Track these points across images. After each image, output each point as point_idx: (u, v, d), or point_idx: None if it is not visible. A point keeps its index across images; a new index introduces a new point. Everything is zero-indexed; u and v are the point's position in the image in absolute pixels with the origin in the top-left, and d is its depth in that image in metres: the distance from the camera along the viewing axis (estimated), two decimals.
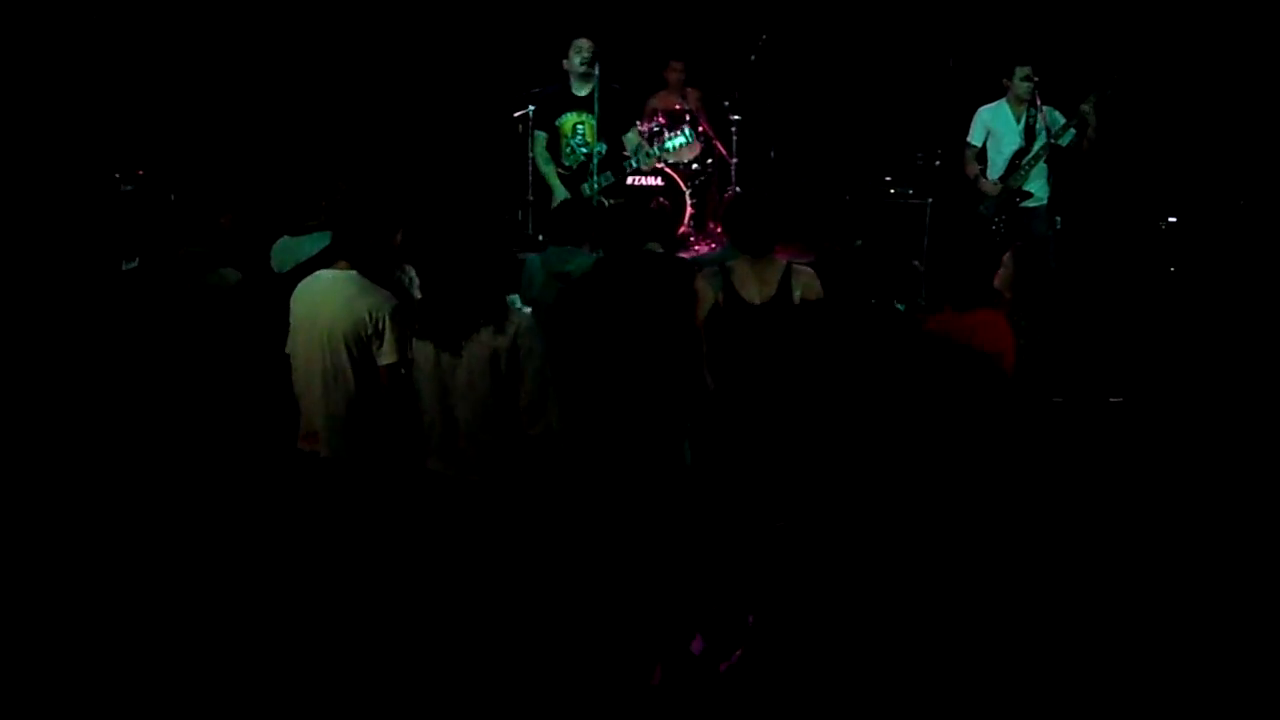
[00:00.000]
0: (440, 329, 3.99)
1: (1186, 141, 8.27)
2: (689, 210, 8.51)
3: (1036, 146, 7.03)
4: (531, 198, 7.19)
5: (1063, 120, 6.97)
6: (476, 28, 9.02)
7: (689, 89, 8.99)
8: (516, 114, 7.22)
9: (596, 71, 6.65)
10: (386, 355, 4.23)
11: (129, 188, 7.11)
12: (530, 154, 7.06)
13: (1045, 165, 7.07)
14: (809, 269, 4.66)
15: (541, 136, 6.93)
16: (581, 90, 6.79)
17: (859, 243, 5.22)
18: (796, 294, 4.55)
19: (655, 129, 8.50)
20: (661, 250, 5.28)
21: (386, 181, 5.99)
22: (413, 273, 4.85)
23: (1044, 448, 5.68)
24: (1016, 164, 7.13)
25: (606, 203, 6.73)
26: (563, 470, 4.18)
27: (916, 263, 4.32)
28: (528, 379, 3.99)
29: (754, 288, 4.58)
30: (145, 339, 5.38)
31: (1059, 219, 7.24)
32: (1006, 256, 5.23)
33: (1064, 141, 6.95)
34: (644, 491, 4.57)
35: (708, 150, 8.71)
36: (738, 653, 4.13)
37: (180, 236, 5.46)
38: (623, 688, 4.12)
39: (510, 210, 7.47)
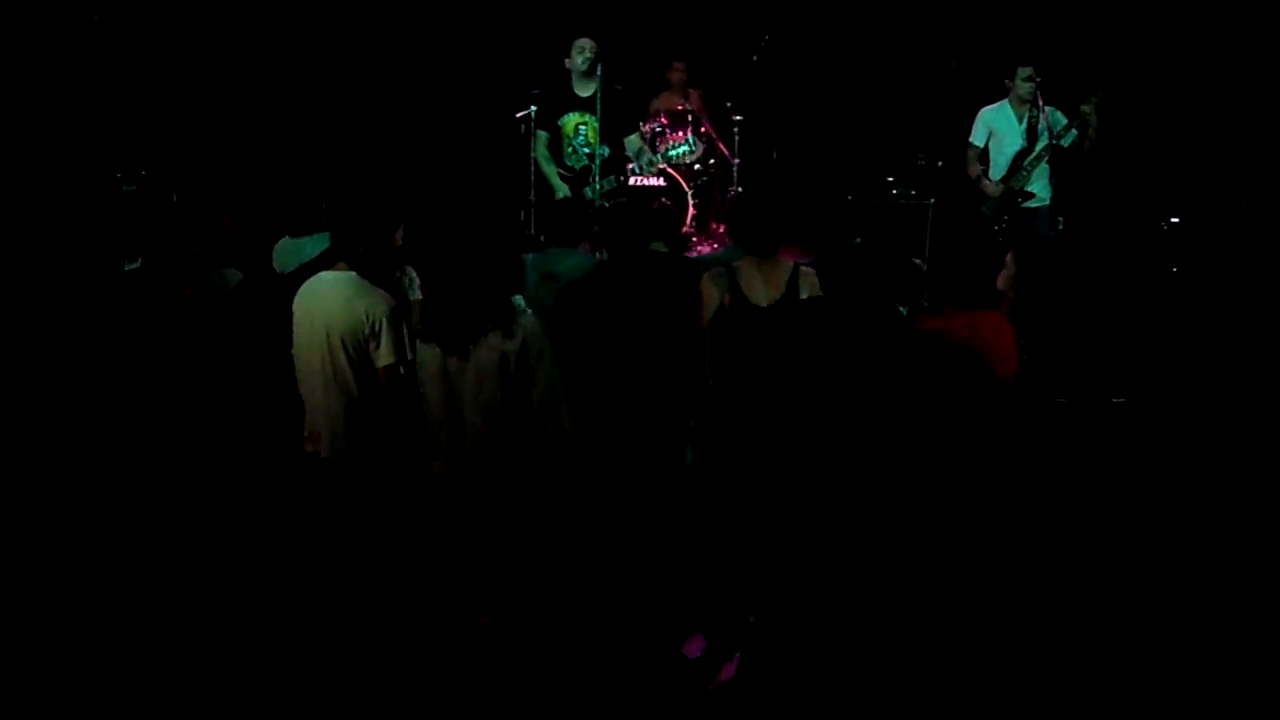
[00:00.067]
0: (447, 332, 3.98)
1: (1188, 142, 8.26)
2: (691, 210, 8.51)
3: (1038, 147, 7.03)
4: (533, 198, 7.18)
5: (1065, 121, 6.97)
6: (478, 27, 9.02)
7: (691, 89, 8.99)
8: (518, 114, 7.21)
9: (599, 72, 6.64)
10: (383, 357, 4.23)
11: (131, 188, 7.11)
12: (532, 154, 7.04)
13: (1047, 166, 7.07)
14: (814, 270, 4.64)
15: (543, 136, 6.92)
16: (584, 91, 6.79)
17: (858, 240, 5.20)
18: (804, 296, 4.54)
19: (657, 129, 8.50)
20: (666, 250, 5.28)
21: (384, 182, 5.98)
22: (413, 274, 4.84)
23: (1046, 448, 5.68)
24: (1018, 164, 7.13)
25: (608, 205, 6.72)
26: (571, 471, 4.18)
27: (918, 261, 4.31)
28: (540, 382, 3.98)
29: (761, 289, 4.57)
30: (147, 339, 5.39)
31: (1061, 219, 7.24)
32: (1009, 257, 5.22)
33: (1066, 142, 6.95)
34: (645, 492, 4.57)
35: (710, 151, 8.71)
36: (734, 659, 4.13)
37: (182, 237, 5.48)
38: (625, 687, 4.12)
39: (512, 211, 7.47)
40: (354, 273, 4.30)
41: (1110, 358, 6.92)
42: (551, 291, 4.90)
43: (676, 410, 4.69)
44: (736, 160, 8.83)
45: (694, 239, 8.52)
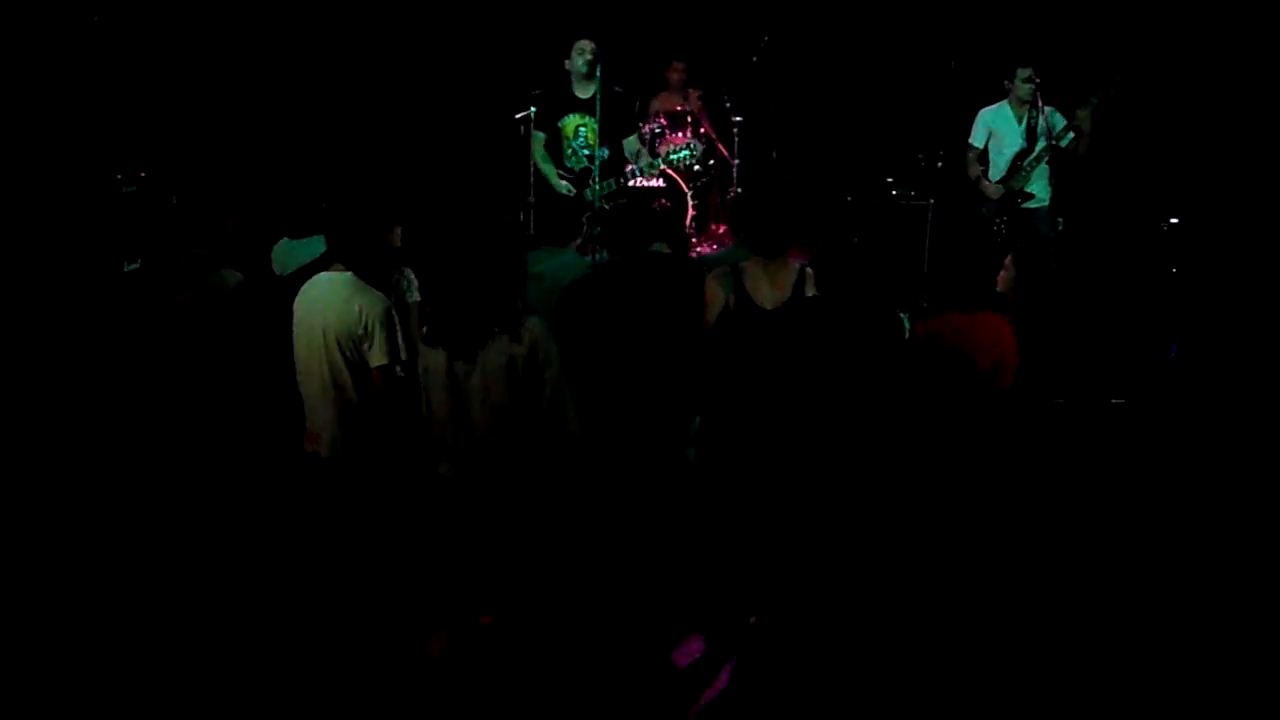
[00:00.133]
0: (454, 337, 3.96)
1: (1188, 142, 8.26)
2: (690, 211, 8.51)
3: (1038, 148, 7.03)
4: (533, 199, 7.18)
5: (1064, 122, 6.97)
6: (478, 28, 9.02)
7: (690, 90, 8.99)
8: (518, 115, 7.20)
9: (598, 73, 6.64)
10: (376, 357, 4.25)
11: (131, 189, 7.11)
12: (531, 156, 7.03)
13: (1047, 167, 7.07)
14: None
15: (541, 137, 6.92)
16: (584, 92, 6.78)
17: (855, 240, 5.17)
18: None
19: (657, 130, 8.50)
20: (669, 250, 5.27)
21: (379, 183, 5.98)
22: (411, 275, 4.84)
23: (1045, 450, 5.68)
24: (1018, 165, 7.13)
25: (608, 207, 6.72)
26: (577, 474, 4.17)
27: (913, 267, 4.29)
28: (548, 385, 3.98)
29: (766, 290, 4.54)
30: (146, 340, 5.40)
31: (1061, 220, 7.25)
32: (1008, 260, 5.22)
33: (1065, 144, 6.95)
34: (649, 493, 4.57)
35: (709, 151, 8.70)
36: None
37: (182, 238, 5.48)
38: (626, 688, 4.13)
39: (513, 212, 7.46)
40: (350, 273, 4.31)
41: (1110, 359, 6.91)
42: (538, 290, 4.88)
43: (680, 411, 4.68)
44: (736, 161, 8.84)
45: (694, 239, 8.52)
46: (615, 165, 6.80)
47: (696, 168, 8.59)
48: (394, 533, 4.43)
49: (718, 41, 9.26)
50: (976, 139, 7.33)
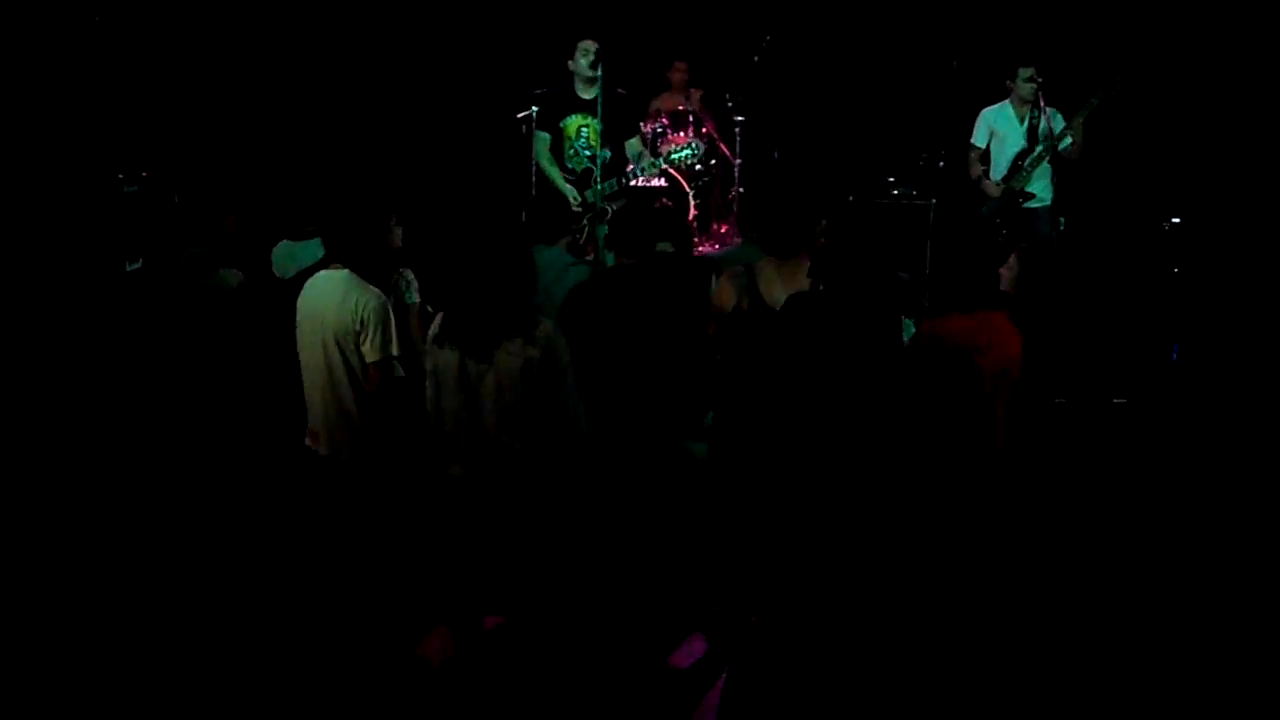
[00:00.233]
0: (469, 339, 3.94)
1: (1190, 142, 8.25)
2: (692, 211, 8.51)
3: (1038, 149, 7.03)
4: (534, 198, 7.17)
5: (1064, 124, 6.97)
6: (479, 28, 9.02)
7: (692, 89, 8.99)
8: (520, 115, 7.20)
9: (601, 74, 6.63)
10: (371, 353, 4.27)
11: (133, 189, 7.11)
12: (533, 156, 7.03)
13: (1049, 166, 7.07)
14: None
15: (544, 137, 6.91)
16: (586, 93, 6.78)
17: (856, 230, 5.13)
18: None
19: (659, 130, 8.50)
20: (674, 250, 5.26)
21: (373, 182, 5.99)
22: (410, 276, 4.85)
23: (1047, 449, 5.68)
24: (1019, 165, 7.12)
25: (610, 208, 6.72)
26: (584, 472, 4.17)
27: (904, 274, 4.25)
28: (559, 386, 3.98)
29: (780, 291, 4.51)
30: (148, 339, 5.40)
31: (1062, 220, 7.24)
32: (1013, 258, 5.21)
33: (1063, 146, 6.95)
34: (657, 491, 4.56)
35: (711, 151, 8.70)
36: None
37: (183, 238, 5.49)
38: (630, 686, 4.13)
39: (514, 211, 7.46)
40: (348, 271, 4.34)
41: (1111, 358, 6.92)
42: None
43: (689, 410, 4.67)
44: (738, 161, 8.84)
45: (695, 239, 8.52)
46: (617, 166, 6.79)
47: (698, 167, 8.59)
48: (392, 530, 4.44)
49: (720, 41, 9.26)
50: (978, 139, 7.32)
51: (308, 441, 4.49)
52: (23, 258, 6.72)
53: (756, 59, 8.95)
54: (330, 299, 4.32)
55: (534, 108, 6.97)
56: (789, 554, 4.33)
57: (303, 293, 4.48)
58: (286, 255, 5.53)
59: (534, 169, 7.00)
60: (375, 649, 4.27)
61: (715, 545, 4.47)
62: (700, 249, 8.38)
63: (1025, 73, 7.01)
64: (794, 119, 9.22)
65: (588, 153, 6.82)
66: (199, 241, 5.42)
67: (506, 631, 4.21)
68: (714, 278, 4.76)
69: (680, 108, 8.73)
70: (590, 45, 6.70)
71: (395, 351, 4.32)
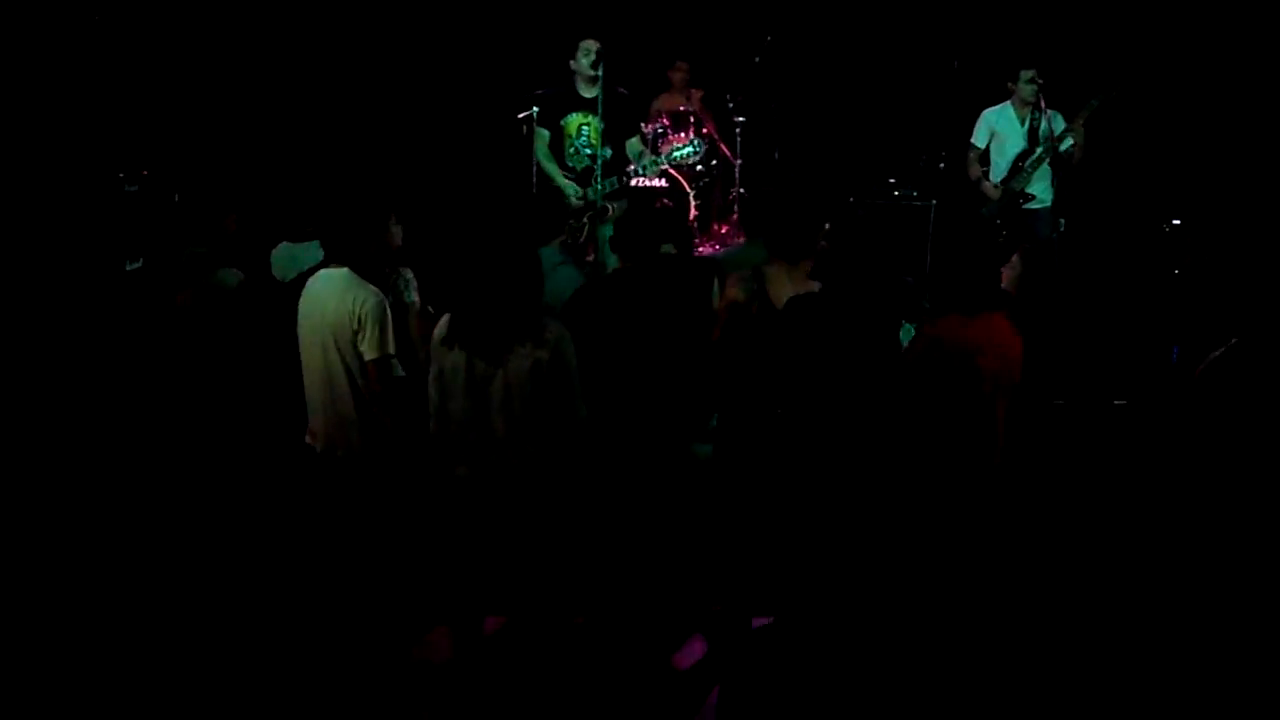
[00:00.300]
0: (478, 340, 3.94)
1: (1190, 144, 8.25)
2: (693, 212, 8.51)
3: (1038, 151, 7.03)
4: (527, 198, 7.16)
5: (1065, 125, 6.97)
6: (481, 28, 9.02)
7: (692, 89, 8.99)
8: (520, 115, 7.20)
9: (602, 73, 6.63)
10: (369, 351, 4.28)
11: (133, 188, 7.11)
12: (534, 155, 7.02)
13: (1049, 168, 7.07)
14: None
15: (544, 135, 6.91)
16: (588, 92, 6.78)
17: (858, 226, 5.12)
18: None
19: (659, 130, 8.50)
20: (675, 251, 5.26)
21: (371, 182, 5.98)
22: (409, 275, 4.86)
23: (1047, 451, 5.68)
24: (1019, 166, 7.13)
25: (611, 207, 6.72)
26: (590, 473, 4.17)
27: (909, 278, 4.24)
28: (566, 387, 3.98)
29: (789, 294, 4.51)
30: (148, 339, 5.40)
31: (1062, 221, 7.24)
32: (1015, 257, 5.20)
33: (1064, 147, 6.95)
34: (663, 491, 4.56)
35: (712, 151, 8.70)
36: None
37: (184, 237, 5.49)
38: (632, 687, 4.13)
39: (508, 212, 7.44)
40: (347, 269, 4.36)
41: (1112, 360, 6.91)
42: None
43: (694, 412, 4.66)
44: (738, 161, 8.84)
45: (696, 239, 8.52)
46: (617, 165, 6.79)
47: (699, 167, 8.59)
48: (390, 528, 4.45)
49: (720, 42, 9.26)
50: (979, 139, 7.32)
51: (307, 439, 4.50)
52: (23, 256, 6.72)
53: (757, 59, 8.95)
54: (329, 297, 4.35)
55: (534, 108, 6.97)
56: (790, 555, 4.34)
57: (304, 291, 4.50)
58: (286, 257, 5.53)
59: (535, 168, 7.00)
60: (375, 648, 4.27)
61: (717, 546, 4.47)
62: (701, 249, 8.38)
63: (1027, 74, 7.01)
64: (794, 120, 9.22)
65: (588, 151, 6.81)
66: (200, 241, 5.42)
67: (507, 632, 4.21)
68: (716, 279, 4.76)
69: (681, 108, 8.73)
70: (591, 45, 6.71)
71: (393, 350, 4.33)
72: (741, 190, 8.78)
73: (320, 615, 4.39)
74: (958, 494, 4.20)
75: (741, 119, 8.85)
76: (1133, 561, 4.81)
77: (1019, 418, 4.38)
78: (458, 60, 9.03)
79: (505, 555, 4.05)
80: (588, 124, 6.82)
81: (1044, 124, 6.94)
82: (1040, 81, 6.93)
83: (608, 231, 6.66)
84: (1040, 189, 7.15)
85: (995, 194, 7.18)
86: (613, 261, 6.55)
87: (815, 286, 4.36)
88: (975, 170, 7.33)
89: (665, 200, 8.15)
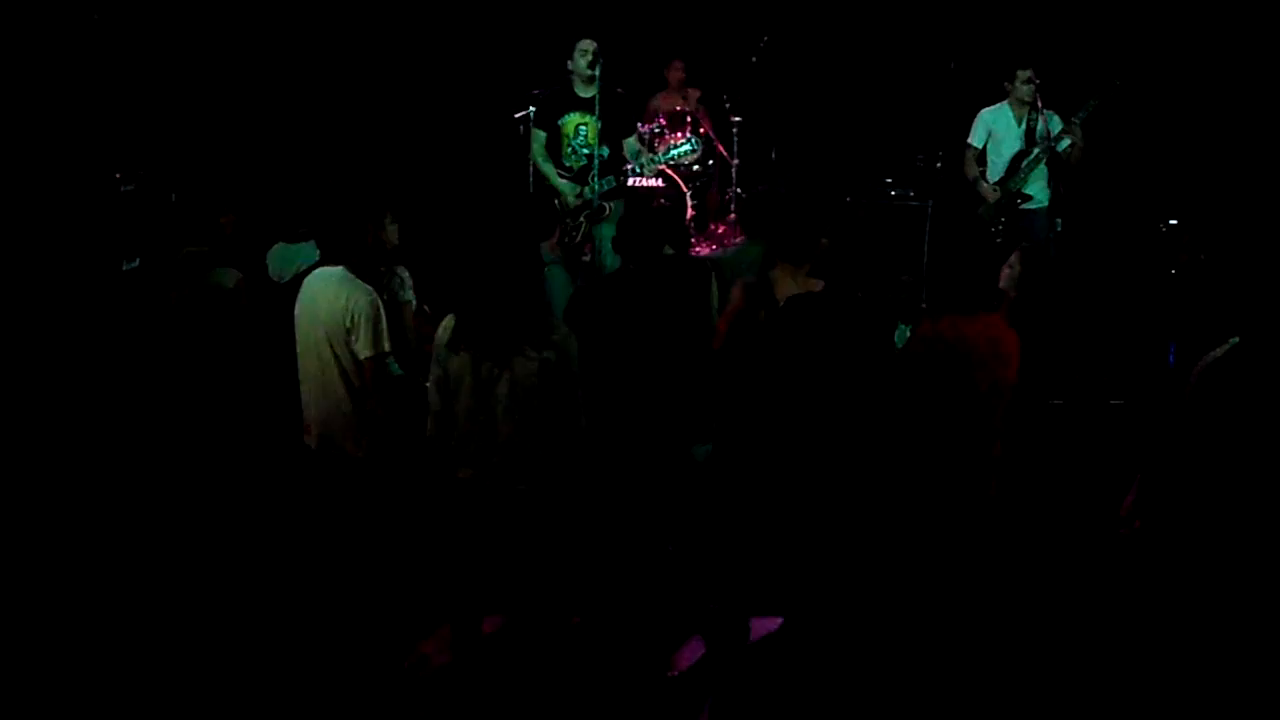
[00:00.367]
0: (485, 343, 3.91)
1: (1187, 143, 8.26)
2: (690, 212, 8.51)
3: (1036, 150, 7.03)
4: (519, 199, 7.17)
5: (1061, 126, 6.98)
6: (477, 28, 9.02)
7: (689, 89, 8.99)
8: (517, 115, 7.20)
9: (599, 73, 6.63)
10: (362, 349, 4.29)
11: (130, 187, 7.10)
12: (530, 155, 7.02)
13: (1045, 168, 7.08)
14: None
15: (541, 135, 6.91)
16: (585, 92, 6.77)
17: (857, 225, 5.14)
18: None
19: (656, 130, 8.50)
20: (673, 251, 5.25)
21: (365, 181, 5.98)
22: (404, 274, 4.85)
23: (1044, 451, 5.68)
24: (1016, 166, 7.13)
25: (608, 207, 6.72)
26: (592, 475, 4.17)
27: (906, 277, 4.23)
28: (569, 389, 3.97)
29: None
30: (144, 339, 5.40)
31: (1059, 221, 7.24)
32: (1014, 256, 5.19)
33: (1061, 148, 6.96)
34: (663, 492, 4.56)
35: (709, 151, 8.70)
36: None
37: (181, 237, 5.48)
38: (629, 688, 4.13)
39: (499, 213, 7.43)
40: (342, 268, 4.37)
41: (1109, 360, 6.92)
42: None
43: (697, 413, 4.66)
44: (735, 161, 8.84)
45: (693, 239, 8.52)
46: (614, 165, 6.79)
47: (696, 167, 8.59)
48: (386, 527, 4.45)
49: (717, 41, 9.26)
50: (975, 139, 7.33)
51: (305, 437, 4.51)
52: (20, 256, 6.71)
53: (754, 59, 8.96)
54: (323, 296, 4.36)
55: (531, 108, 6.96)
56: (788, 555, 4.34)
57: (301, 290, 4.50)
58: (281, 257, 5.53)
59: (531, 169, 7.00)
60: (373, 648, 4.26)
61: (715, 546, 4.47)
62: (698, 250, 8.38)
63: (1023, 74, 7.01)
64: (791, 119, 9.22)
65: (586, 151, 6.81)
66: (197, 241, 5.42)
67: (506, 632, 4.20)
68: (713, 278, 4.76)
69: (678, 108, 8.73)
70: (588, 45, 6.71)
71: (387, 348, 4.33)
72: (738, 190, 8.78)
73: (318, 615, 4.39)
74: (954, 495, 4.20)
75: (738, 119, 8.85)
76: (1131, 561, 4.81)
77: (1016, 418, 4.38)
78: (455, 60, 9.02)
79: (505, 556, 4.04)
80: (585, 124, 6.81)
81: (1040, 124, 6.94)
82: (1037, 82, 6.93)
83: (604, 231, 6.67)
84: (1037, 189, 7.15)
85: (992, 194, 7.18)
86: (610, 261, 6.57)
87: (818, 285, 4.35)
88: (972, 170, 7.33)
89: (662, 200, 8.15)
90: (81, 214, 6.98)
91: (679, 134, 8.44)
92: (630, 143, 6.94)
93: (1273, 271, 3.80)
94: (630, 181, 6.90)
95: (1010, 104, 7.18)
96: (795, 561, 4.38)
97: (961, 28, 8.86)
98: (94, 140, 7.32)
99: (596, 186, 6.69)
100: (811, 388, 4.21)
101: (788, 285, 4.35)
